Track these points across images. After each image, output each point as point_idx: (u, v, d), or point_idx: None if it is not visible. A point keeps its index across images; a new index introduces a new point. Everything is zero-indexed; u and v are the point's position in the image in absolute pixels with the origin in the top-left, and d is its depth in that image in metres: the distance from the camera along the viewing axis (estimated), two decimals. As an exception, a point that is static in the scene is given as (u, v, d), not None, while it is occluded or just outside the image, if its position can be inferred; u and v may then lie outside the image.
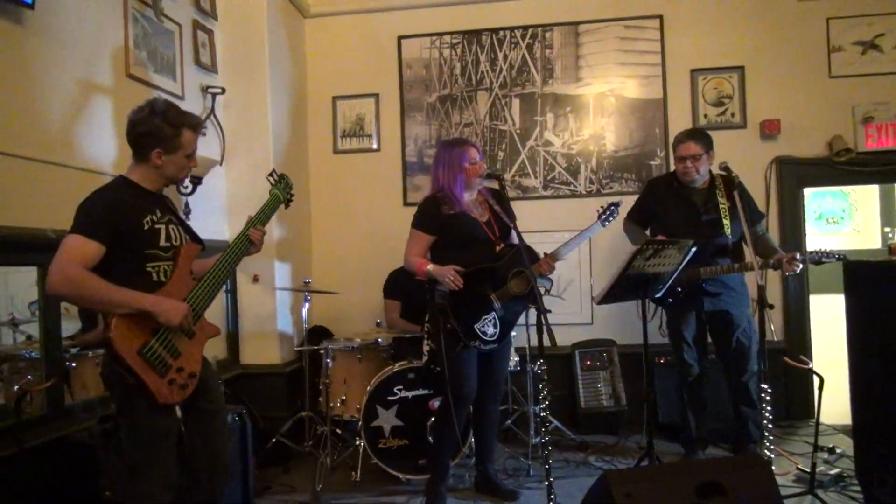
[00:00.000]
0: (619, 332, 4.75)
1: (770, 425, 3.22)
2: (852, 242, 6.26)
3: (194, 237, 2.46)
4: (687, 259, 3.26)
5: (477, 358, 3.31)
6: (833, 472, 3.44)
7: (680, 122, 4.77)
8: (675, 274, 3.30)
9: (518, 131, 5.01)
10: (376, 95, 5.16)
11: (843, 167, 4.63)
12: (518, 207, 4.94)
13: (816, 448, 3.25)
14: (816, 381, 3.25)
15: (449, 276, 3.14)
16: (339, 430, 4.03)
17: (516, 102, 5.02)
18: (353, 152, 5.17)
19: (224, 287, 2.39)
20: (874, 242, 6.15)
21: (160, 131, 2.28)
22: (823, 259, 3.49)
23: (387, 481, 3.68)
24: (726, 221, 3.72)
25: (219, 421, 2.45)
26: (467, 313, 3.20)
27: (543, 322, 2.86)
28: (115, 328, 2.07)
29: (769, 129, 4.71)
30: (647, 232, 4.01)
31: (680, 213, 3.81)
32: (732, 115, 4.82)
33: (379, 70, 5.16)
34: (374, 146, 5.15)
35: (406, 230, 3.38)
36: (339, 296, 4.67)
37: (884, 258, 4.23)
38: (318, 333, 4.76)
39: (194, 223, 3.91)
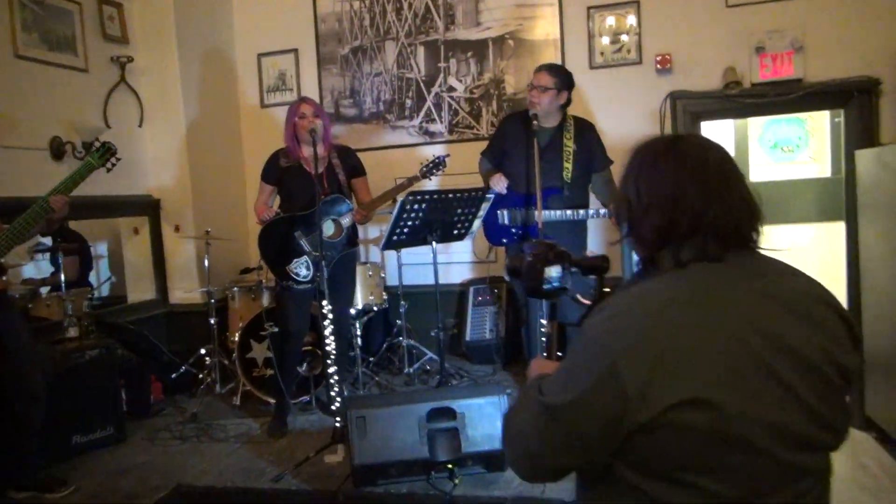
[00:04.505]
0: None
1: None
2: (807, 171, 6.06)
3: None
4: (483, 207, 3.42)
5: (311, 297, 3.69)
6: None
7: (577, 60, 4.80)
8: (477, 220, 3.48)
9: (423, 78, 5.19)
10: (295, 51, 5.45)
11: (735, 99, 4.54)
12: (426, 151, 5.21)
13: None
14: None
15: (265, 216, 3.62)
16: (226, 361, 4.54)
17: (421, 50, 5.17)
18: (277, 105, 5.52)
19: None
20: (827, 171, 5.93)
21: None
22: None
23: (261, 405, 4.17)
24: (567, 164, 3.81)
25: (19, 355, 2.96)
26: (279, 255, 3.56)
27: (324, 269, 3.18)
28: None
29: (662, 64, 4.65)
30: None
31: (523, 152, 3.85)
32: (628, 50, 4.78)
33: (297, 26, 5.43)
34: (295, 99, 5.46)
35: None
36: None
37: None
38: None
39: (119, 181, 4.40)
